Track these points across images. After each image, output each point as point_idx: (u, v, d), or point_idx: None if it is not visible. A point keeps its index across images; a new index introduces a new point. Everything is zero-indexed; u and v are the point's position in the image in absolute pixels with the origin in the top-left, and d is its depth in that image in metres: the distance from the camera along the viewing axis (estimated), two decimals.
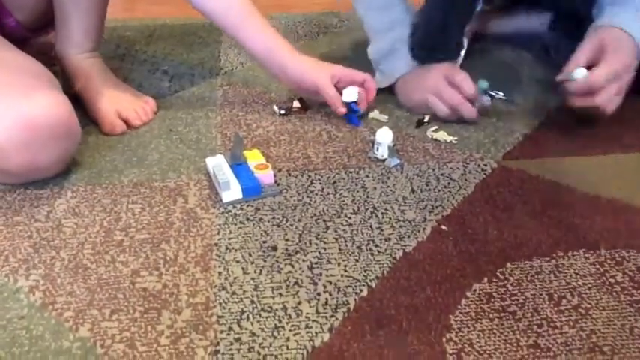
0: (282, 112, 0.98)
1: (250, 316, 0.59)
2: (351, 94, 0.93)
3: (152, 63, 1.19)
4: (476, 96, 0.94)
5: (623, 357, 0.55)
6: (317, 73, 0.93)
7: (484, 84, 0.95)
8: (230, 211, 0.75)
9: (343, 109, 0.94)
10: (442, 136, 0.91)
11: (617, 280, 0.64)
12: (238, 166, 0.80)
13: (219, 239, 0.70)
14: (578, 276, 0.65)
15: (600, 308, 0.60)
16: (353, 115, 0.95)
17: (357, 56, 1.22)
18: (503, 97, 0.98)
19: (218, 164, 0.80)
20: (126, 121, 0.93)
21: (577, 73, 0.86)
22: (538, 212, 0.75)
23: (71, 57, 0.96)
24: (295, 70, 0.93)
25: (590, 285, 0.63)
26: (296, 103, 0.99)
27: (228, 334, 0.57)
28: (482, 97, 0.95)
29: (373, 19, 1.03)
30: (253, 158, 0.82)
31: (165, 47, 1.27)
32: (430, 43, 0.98)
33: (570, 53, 0.91)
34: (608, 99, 0.86)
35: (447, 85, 0.94)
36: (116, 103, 0.93)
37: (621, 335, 0.57)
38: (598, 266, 0.66)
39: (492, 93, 0.97)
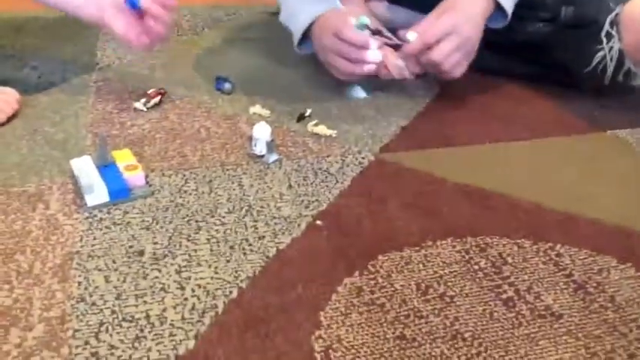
0: (146, 105, 0.94)
1: (110, 327, 0.56)
2: None
3: (20, 58, 1.11)
4: (366, 44, 0.92)
5: (482, 342, 0.57)
6: None
7: (365, 20, 0.93)
8: (96, 216, 0.71)
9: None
10: (322, 129, 0.91)
11: (480, 267, 0.66)
12: (106, 167, 0.76)
13: (82, 246, 0.66)
14: (445, 264, 0.66)
15: (464, 295, 0.62)
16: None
17: (243, 51, 1.20)
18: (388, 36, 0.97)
19: (83, 166, 0.75)
20: None
21: (410, 35, 0.91)
22: (410, 203, 0.76)
23: None
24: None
25: (455, 273, 0.65)
26: (151, 91, 0.95)
27: (85, 348, 0.54)
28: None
29: None
30: (123, 158, 0.78)
31: (35, 41, 1.19)
32: None
33: None
34: (447, 56, 0.90)
35: (337, 55, 0.93)
36: None
37: (482, 321, 0.59)
38: (464, 254, 0.68)
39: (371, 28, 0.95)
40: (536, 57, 1.06)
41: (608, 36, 0.97)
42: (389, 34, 0.98)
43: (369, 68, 0.94)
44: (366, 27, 0.94)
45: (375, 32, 0.96)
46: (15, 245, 0.65)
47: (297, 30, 1.02)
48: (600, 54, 0.98)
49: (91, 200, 0.71)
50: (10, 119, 0.89)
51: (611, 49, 0.97)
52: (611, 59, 0.98)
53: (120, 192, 0.73)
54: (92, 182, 0.72)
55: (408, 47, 0.93)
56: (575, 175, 0.84)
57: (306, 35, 1.02)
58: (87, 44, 1.18)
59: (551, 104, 1.04)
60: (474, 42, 0.93)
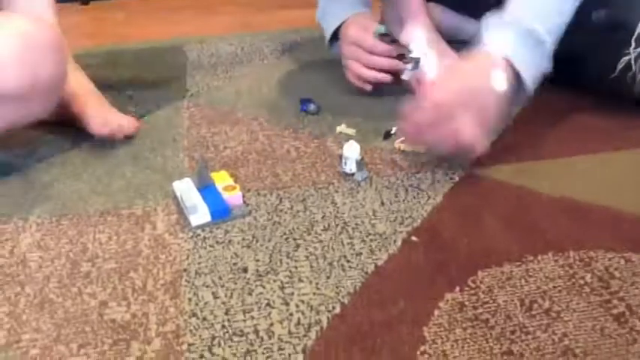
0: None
1: (222, 341, 0.58)
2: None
3: (117, 89, 1.18)
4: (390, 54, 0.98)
5: (595, 358, 0.55)
6: None
7: (380, 28, 0.97)
8: (199, 235, 0.74)
9: None
10: (409, 146, 0.91)
11: (586, 282, 0.64)
12: (206, 188, 0.79)
13: (189, 264, 0.69)
14: (548, 279, 0.65)
15: (571, 311, 0.61)
16: None
17: (324, 73, 1.23)
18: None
19: (185, 188, 0.79)
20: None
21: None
22: (506, 218, 0.75)
23: None
24: None
25: (560, 288, 0.64)
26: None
27: None
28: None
29: None
30: (221, 180, 0.82)
31: (129, 72, 1.27)
32: None
33: None
34: (471, 140, 0.79)
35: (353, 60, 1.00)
36: (103, 108, 0.93)
37: (592, 337, 0.58)
38: (567, 268, 0.66)
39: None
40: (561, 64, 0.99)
41: (638, 40, 0.92)
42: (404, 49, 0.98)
43: (383, 77, 1.00)
44: (385, 35, 0.97)
45: (394, 41, 0.99)
46: (128, 264, 0.69)
47: (327, 31, 1.09)
48: (625, 59, 0.93)
49: (195, 220, 0.75)
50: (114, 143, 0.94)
51: (638, 54, 0.91)
52: (635, 62, 0.92)
53: (221, 212, 0.76)
54: (195, 203, 0.75)
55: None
56: None
57: (337, 36, 1.08)
58: (176, 72, 1.25)
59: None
60: (493, 109, 0.82)
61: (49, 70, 0.77)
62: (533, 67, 0.83)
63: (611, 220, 0.74)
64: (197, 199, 0.77)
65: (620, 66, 0.93)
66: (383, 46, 1.00)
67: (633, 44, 0.91)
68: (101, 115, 0.93)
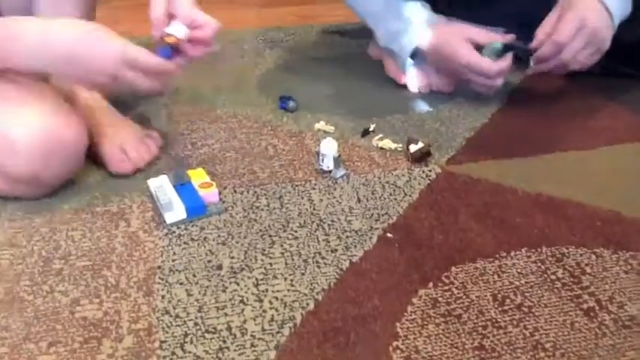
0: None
1: (194, 338, 0.58)
2: (177, 29, 0.76)
3: None
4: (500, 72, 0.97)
5: (565, 352, 0.56)
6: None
7: (497, 45, 0.96)
8: (174, 232, 0.74)
9: None
10: (387, 144, 0.91)
11: (557, 277, 0.65)
12: (182, 185, 0.79)
13: (163, 262, 0.69)
14: (521, 275, 0.65)
15: (542, 306, 0.61)
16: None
17: (304, 70, 1.23)
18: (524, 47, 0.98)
19: (161, 185, 0.79)
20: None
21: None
22: (482, 214, 0.76)
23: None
24: None
25: (532, 283, 0.64)
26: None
27: (171, 359, 0.56)
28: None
29: (370, 4, 1.07)
30: (197, 177, 0.81)
31: None
32: None
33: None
34: (577, 54, 0.91)
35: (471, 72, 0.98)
36: (120, 139, 0.87)
37: (562, 331, 0.58)
38: (540, 264, 0.67)
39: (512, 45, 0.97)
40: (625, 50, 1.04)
41: None
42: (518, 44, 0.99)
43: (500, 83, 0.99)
44: (497, 50, 0.97)
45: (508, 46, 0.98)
46: (102, 261, 0.69)
47: (404, 54, 1.06)
48: None
49: (169, 217, 0.74)
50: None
51: None
52: None
53: (196, 209, 0.76)
54: (171, 200, 0.75)
55: (542, 52, 0.93)
56: None
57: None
58: None
59: (626, 111, 1.01)
60: (603, 34, 0.93)
61: (61, 163, 0.77)
62: (619, 9, 0.94)
63: (584, 217, 0.74)
64: (173, 197, 0.76)
65: None
66: (499, 67, 0.98)
67: None
68: (115, 156, 0.86)
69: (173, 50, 0.77)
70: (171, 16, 0.77)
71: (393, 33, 1.05)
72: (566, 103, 1.06)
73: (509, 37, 0.97)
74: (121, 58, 0.73)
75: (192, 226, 0.75)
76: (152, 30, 0.77)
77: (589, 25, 0.91)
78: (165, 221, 0.75)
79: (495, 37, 0.97)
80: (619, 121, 0.98)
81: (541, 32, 0.94)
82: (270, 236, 0.73)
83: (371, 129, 0.96)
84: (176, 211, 0.75)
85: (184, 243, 0.72)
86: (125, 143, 0.87)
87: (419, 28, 1.02)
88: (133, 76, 0.75)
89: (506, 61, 0.97)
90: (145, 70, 0.75)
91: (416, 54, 1.05)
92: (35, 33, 0.73)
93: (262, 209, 0.78)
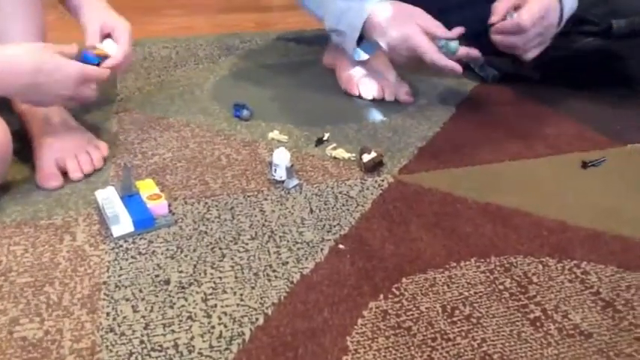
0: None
1: (139, 357, 0.57)
2: (109, 46, 0.88)
3: None
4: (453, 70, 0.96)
5: None
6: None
7: (453, 48, 0.96)
8: (121, 246, 0.72)
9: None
10: (341, 153, 0.91)
11: (505, 287, 0.66)
12: (130, 197, 0.77)
13: (109, 277, 0.67)
14: (470, 285, 0.66)
15: (490, 316, 0.62)
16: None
17: (259, 78, 1.22)
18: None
19: (107, 197, 0.76)
20: (65, 173, 0.84)
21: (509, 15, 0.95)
22: (432, 224, 0.76)
23: None
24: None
25: (481, 293, 0.65)
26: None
27: None
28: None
29: None
30: (146, 188, 0.79)
31: None
32: None
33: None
34: (532, 39, 0.94)
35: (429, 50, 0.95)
36: (57, 150, 0.84)
37: (509, 341, 0.59)
38: (488, 274, 0.68)
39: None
40: (585, 69, 1.08)
41: None
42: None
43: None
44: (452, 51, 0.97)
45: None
46: (44, 277, 0.66)
47: (352, 32, 1.02)
48: None
49: (116, 231, 0.72)
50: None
51: None
52: None
53: (144, 222, 0.74)
54: (117, 213, 0.73)
55: (503, 25, 0.95)
56: (598, 190, 0.84)
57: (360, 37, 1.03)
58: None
59: (571, 121, 1.04)
60: (553, 31, 0.97)
61: None
62: (568, 14, 0.99)
63: (531, 226, 0.76)
64: (120, 209, 0.74)
65: None
66: (453, 65, 0.96)
67: None
68: (44, 169, 0.83)
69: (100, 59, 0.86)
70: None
71: (340, 11, 1.03)
72: (513, 112, 1.08)
73: (459, 31, 0.97)
74: (80, 79, 0.80)
75: (141, 239, 0.73)
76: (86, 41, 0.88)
77: (549, 18, 0.95)
78: (112, 234, 0.73)
79: (451, 34, 0.96)
80: (564, 131, 1.01)
81: (500, 7, 0.95)
82: (220, 249, 0.71)
83: (325, 138, 0.96)
84: (123, 224, 0.73)
85: (131, 257, 0.70)
86: (63, 151, 0.85)
87: (366, 2, 1.00)
88: (89, 92, 0.83)
89: (458, 65, 0.97)
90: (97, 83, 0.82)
91: (362, 38, 1.03)
92: None
93: (213, 221, 0.77)
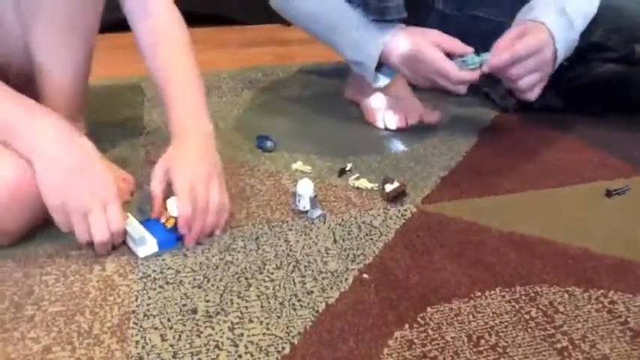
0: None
1: None
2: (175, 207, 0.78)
3: None
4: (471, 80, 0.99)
5: None
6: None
7: (473, 61, 0.98)
8: (149, 276, 0.73)
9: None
10: (363, 183, 0.92)
11: (531, 316, 0.66)
12: (148, 221, 0.79)
13: (137, 306, 0.68)
14: (495, 315, 0.66)
15: (517, 346, 0.62)
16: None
17: (281, 109, 1.25)
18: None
19: (130, 222, 0.79)
20: None
21: (486, 55, 0.96)
22: (456, 254, 0.76)
23: None
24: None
25: (506, 323, 0.65)
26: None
27: None
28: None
29: (327, 25, 1.07)
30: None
31: (86, 110, 1.25)
32: None
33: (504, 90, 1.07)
34: (527, 74, 0.96)
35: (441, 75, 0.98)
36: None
37: None
38: (514, 303, 0.68)
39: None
40: (606, 95, 1.09)
41: None
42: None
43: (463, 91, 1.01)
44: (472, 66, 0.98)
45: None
46: (75, 306, 0.68)
47: (370, 62, 1.04)
48: None
49: (142, 252, 0.75)
50: None
51: None
52: None
53: (168, 241, 0.76)
54: (143, 234, 0.75)
55: (494, 61, 0.96)
56: (622, 218, 0.83)
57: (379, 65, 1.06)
58: (134, 110, 1.24)
59: (593, 148, 1.04)
60: (550, 67, 0.98)
61: (15, 221, 0.75)
62: (564, 41, 0.99)
63: (556, 255, 0.76)
64: (143, 231, 0.76)
65: None
66: (472, 75, 0.99)
67: None
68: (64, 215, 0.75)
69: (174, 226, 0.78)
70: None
71: (354, 42, 1.05)
72: (535, 140, 1.09)
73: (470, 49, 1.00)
74: (106, 186, 0.75)
75: (168, 269, 0.74)
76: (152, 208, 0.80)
77: (546, 53, 0.96)
78: (137, 256, 0.75)
79: (467, 50, 0.98)
80: (586, 158, 1.01)
81: (502, 43, 0.97)
82: (246, 279, 0.72)
83: (347, 168, 0.97)
84: (149, 244, 0.75)
85: (159, 287, 0.71)
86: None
87: (380, 30, 1.02)
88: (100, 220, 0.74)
89: (475, 74, 0.98)
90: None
91: (382, 64, 1.05)
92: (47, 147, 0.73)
93: (239, 251, 0.78)
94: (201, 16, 1.93)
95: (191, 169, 0.79)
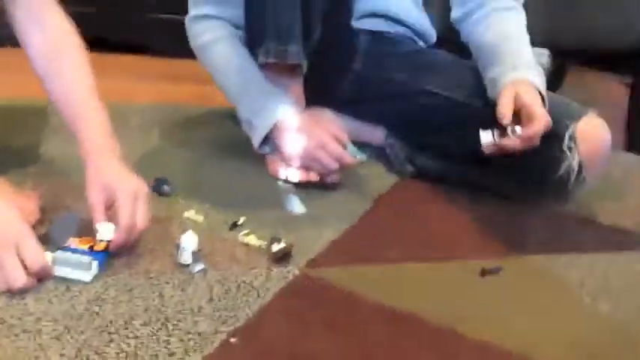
0: None
1: None
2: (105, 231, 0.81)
3: None
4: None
5: None
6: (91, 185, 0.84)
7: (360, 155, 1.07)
8: (5, 322, 0.69)
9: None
10: (252, 240, 0.92)
11: None
12: (65, 248, 0.79)
13: None
14: None
15: None
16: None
17: (188, 153, 1.23)
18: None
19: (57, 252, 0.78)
20: None
21: (517, 130, 1.03)
22: (329, 322, 0.77)
23: None
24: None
25: None
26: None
27: None
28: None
29: (233, 83, 1.15)
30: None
31: None
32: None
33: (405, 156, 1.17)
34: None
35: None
36: None
37: None
38: None
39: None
40: (502, 165, 1.13)
41: (569, 148, 1.07)
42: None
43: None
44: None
45: None
46: None
47: (262, 129, 1.12)
48: (566, 163, 1.06)
49: (88, 276, 0.78)
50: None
51: (573, 158, 1.06)
52: (572, 170, 1.06)
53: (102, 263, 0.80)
54: (87, 260, 0.77)
55: (512, 143, 1.03)
56: (491, 298, 0.87)
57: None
58: (33, 136, 1.20)
59: (478, 224, 1.08)
60: None
61: None
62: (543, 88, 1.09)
63: (421, 331, 0.78)
64: (82, 256, 0.78)
65: (562, 168, 1.07)
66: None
67: (567, 151, 1.06)
68: None
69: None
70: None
71: (257, 106, 1.12)
72: (427, 210, 1.12)
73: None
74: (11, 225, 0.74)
75: (29, 315, 0.71)
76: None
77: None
78: (84, 281, 0.77)
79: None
80: (468, 234, 1.05)
81: (507, 114, 1.02)
82: (109, 333, 0.70)
83: (239, 222, 0.97)
84: (93, 268, 0.78)
85: (14, 335, 0.68)
86: None
87: (283, 105, 1.11)
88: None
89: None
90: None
91: (268, 138, 1.12)
92: None
93: (108, 302, 0.75)
94: (126, 44, 1.91)
95: (130, 186, 0.83)
